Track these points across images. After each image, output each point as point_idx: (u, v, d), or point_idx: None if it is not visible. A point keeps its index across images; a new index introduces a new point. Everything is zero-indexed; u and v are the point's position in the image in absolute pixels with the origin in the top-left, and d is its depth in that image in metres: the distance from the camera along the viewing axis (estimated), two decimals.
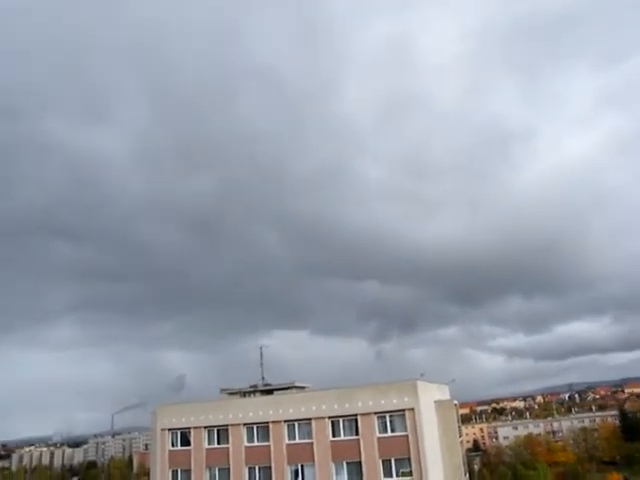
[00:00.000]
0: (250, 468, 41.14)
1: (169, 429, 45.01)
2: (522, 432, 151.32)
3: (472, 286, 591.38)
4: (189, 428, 44.04)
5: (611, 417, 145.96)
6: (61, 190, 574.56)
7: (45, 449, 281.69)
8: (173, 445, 44.83)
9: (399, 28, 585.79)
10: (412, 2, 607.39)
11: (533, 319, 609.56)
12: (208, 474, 42.57)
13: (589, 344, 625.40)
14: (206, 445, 43.26)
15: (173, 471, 44.06)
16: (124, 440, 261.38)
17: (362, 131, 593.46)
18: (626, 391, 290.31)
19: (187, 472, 43.23)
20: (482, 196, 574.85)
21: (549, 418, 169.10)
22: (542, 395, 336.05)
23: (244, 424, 41.94)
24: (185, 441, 44.29)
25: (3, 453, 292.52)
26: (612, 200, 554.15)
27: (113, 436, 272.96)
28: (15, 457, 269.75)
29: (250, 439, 41.78)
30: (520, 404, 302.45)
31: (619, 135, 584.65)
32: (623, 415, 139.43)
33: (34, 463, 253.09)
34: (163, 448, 44.81)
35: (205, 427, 43.49)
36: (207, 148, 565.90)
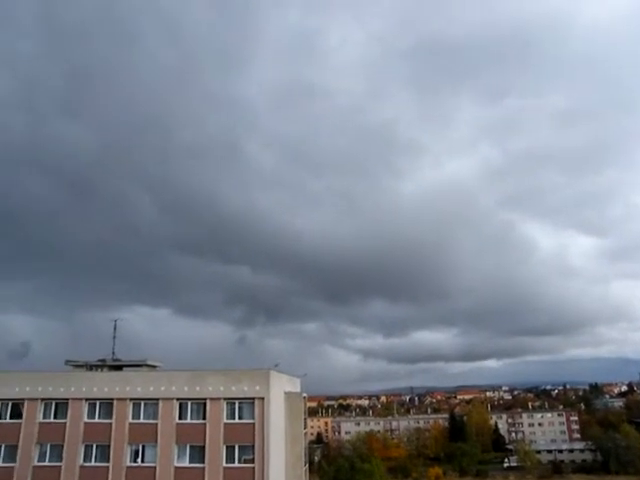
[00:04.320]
0: (87, 446, 39.14)
1: None
2: (364, 428, 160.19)
3: (340, 285, 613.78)
4: (23, 399, 40.60)
5: (442, 419, 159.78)
6: None
7: None
8: (1, 417, 41.18)
9: (310, 22, 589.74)
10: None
11: (393, 323, 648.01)
12: (38, 450, 39.69)
13: (437, 352, 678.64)
14: (40, 419, 40.26)
15: None
16: None
17: (257, 114, 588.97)
18: (458, 397, 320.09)
19: (12, 447, 39.75)
20: (363, 198, 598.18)
21: (389, 417, 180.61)
22: (386, 395, 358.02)
23: (86, 399, 39.83)
24: (16, 414, 40.80)
25: None
26: (477, 223, 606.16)
27: None
28: None
29: (91, 415, 39.75)
30: (365, 402, 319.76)
31: (490, 164, 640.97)
32: (452, 418, 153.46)
33: None
34: None
35: (42, 399, 40.45)
36: (96, 99, 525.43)
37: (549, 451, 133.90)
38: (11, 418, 40.73)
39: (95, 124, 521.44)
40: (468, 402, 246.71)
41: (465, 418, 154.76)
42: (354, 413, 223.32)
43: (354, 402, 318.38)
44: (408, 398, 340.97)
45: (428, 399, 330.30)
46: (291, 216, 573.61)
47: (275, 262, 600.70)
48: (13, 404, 40.95)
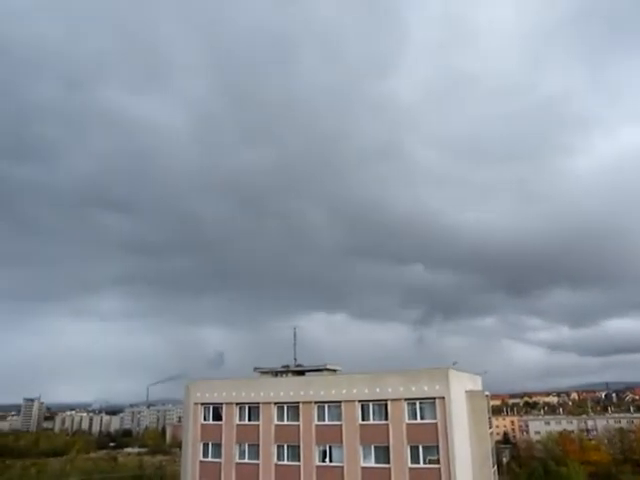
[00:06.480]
0: (279, 446, 41.89)
1: (202, 403, 46.26)
2: (554, 428, 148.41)
3: (517, 275, 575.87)
4: (221, 404, 45.11)
5: None
6: (113, 160, 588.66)
7: (85, 415, 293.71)
8: (205, 419, 46.07)
9: (457, 6, 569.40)
10: None
11: (579, 312, 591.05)
12: (238, 449, 43.58)
13: (635, 342, 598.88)
14: (237, 421, 44.23)
15: (204, 444, 45.38)
16: (158, 411, 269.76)
17: (415, 112, 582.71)
18: None
19: (218, 446, 44.42)
20: (534, 182, 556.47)
21: (584, 416, 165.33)
22: (577, 392, 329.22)
23: (275, 403, 42.68)
24: (217, 416, 45.40)
25: (48, 415, 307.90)
26: None
27: (148, 407, 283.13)
28: (58, 420, 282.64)
29: (280, 418, 42.49)
30: (553, 399, 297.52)
31: None
32: None
33: (74, 427, 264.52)
34: (195, 421, 46.12)
35: (237, 404, 44.41)
36: (264, 122, 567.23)
37: None
38: (213, 420, 45.45)
39: (269, 148, 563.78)
40: None
41: None
42: (542, 411, 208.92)
43: (541, 399, 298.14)
44: (604, 394, 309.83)
45: (628, 395, 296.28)
46: (461, 210, 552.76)
47: (449, 258, 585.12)
48: (214, 407, 45.72)
